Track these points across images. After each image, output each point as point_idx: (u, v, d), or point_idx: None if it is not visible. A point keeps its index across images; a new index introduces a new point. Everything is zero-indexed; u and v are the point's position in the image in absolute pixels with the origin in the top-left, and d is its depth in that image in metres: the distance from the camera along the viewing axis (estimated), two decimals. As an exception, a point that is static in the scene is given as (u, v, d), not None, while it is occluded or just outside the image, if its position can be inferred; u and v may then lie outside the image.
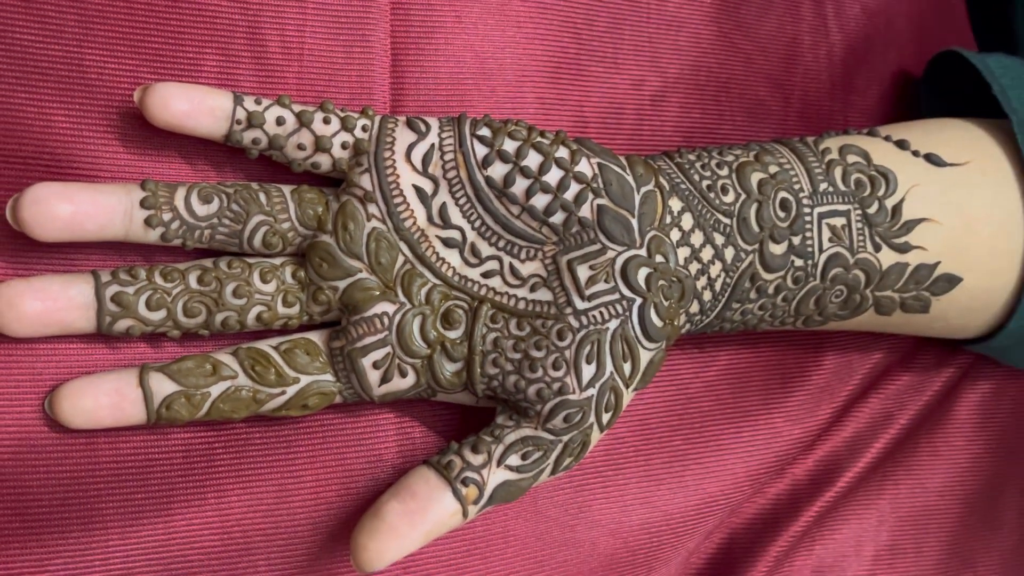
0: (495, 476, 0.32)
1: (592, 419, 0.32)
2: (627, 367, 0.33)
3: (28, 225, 0.29)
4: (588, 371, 0.32)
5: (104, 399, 0.31)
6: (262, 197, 0.32)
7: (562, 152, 0.33)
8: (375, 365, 0.32)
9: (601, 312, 0.32)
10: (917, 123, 0.40)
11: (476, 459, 0.32)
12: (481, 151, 0.33)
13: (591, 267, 0.33)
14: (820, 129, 0.43)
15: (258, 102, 0.32)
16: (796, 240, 0.35)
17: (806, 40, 0.42)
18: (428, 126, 0.33)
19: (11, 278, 0.31)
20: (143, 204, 0.31)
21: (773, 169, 0.35)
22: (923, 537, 0.43)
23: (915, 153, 0.38)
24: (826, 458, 0.42)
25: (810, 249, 0.35)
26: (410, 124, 0.33)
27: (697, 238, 0.34)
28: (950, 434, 0.44)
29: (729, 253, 0.34)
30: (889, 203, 0.36)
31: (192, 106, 0.31)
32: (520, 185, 0.32)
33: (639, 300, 0.33)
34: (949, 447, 0.44)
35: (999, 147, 0.39)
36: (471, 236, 0.33)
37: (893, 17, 0.45)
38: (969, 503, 0.44)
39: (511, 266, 0.33)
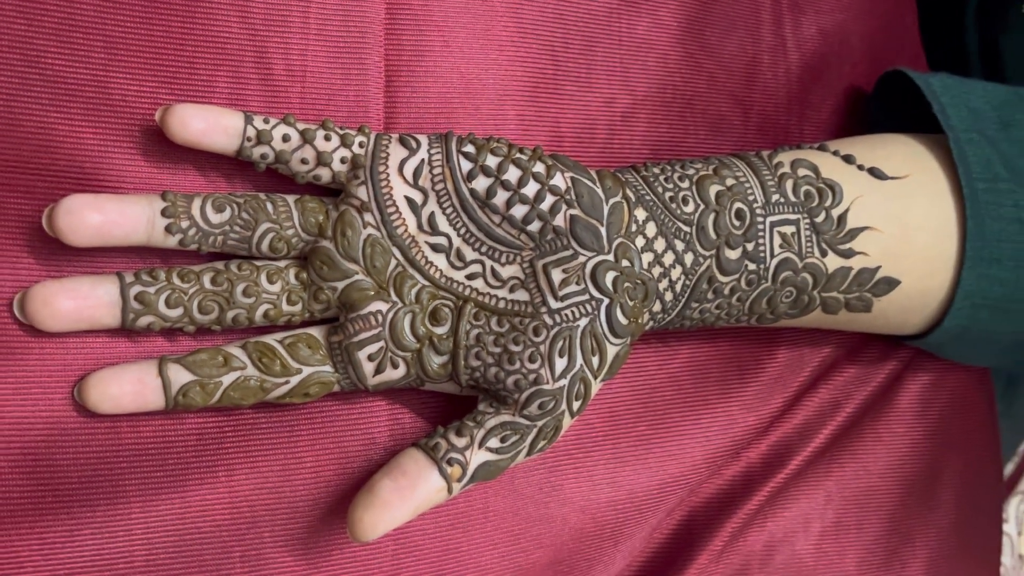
0: (477, 457, 0.33)
1: (564, 406, 0.34)
2: (595, 360, 0.34)
3: (62, 232, 0.31)
4: (560, 364, 0.34)
5: (127, 387, 0.32)
6: (269, 206, 0.33)
7: (539, 167, 0.34)
8: (370, 358, 0.34)
9: (573, 311, 0.34)
10: (863, 138, 0.41)
11: (460, 442, 0.33)
12: (466, 166, 0.34)
13: (564, 270, 0.34)
14: (778, 142, 0.44)
15: (266, 121, 0.33)
16: (750, 246, 0.36)
17: (766, 59, 0.43)
18: (418, 143, 0.34)
19: (45, 279, 0.33)
20: (164, 213, 0.32)
21: (730, 182, 0.37)
22: (866, 515, 0.44)
23: (860, 167, 0.39)
24: (778, 443, 0.43)
25: (762, 254, 0.37)
26: (402, 141, 0.34)
27: (660, 244, 0.36)
28: (892, 421, 0.45)
29: (689, 258, 0.36)
30: (835, 213, 0.37)
31: (208, 125, 0.32)
32: (501, 197, 0.34)
33: (606, 300, 0.34)
34: (891, 433, 0.45)
35: (937, 161, 0.40)
36: (456, 242, 0.34)
37: (848, 37, 0.46)
38: (908, 485, 0.45)
39: (492, 269, 0.35)
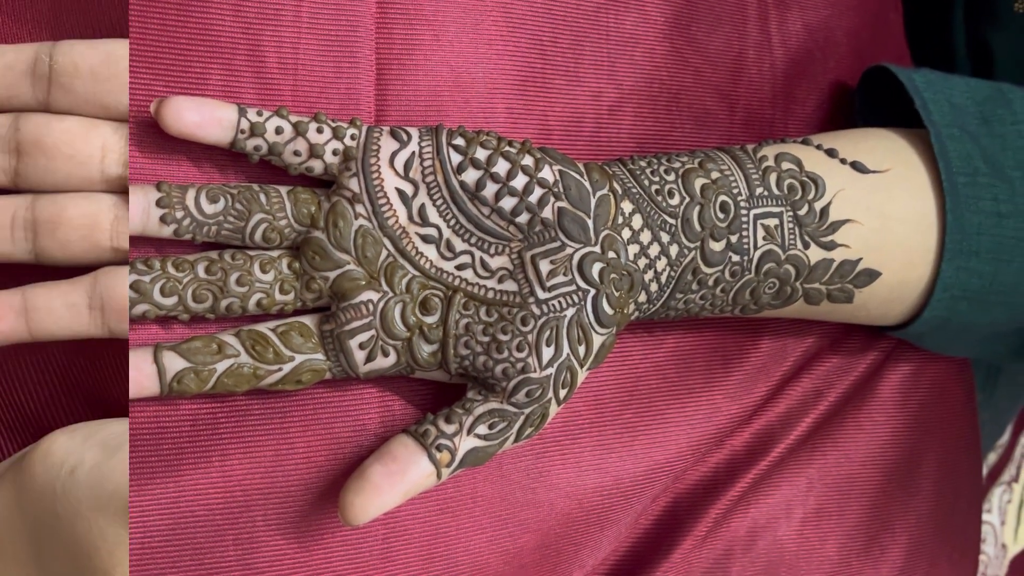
0: (465, 443, 0.34)
1: (550, 394, 0.35)
2: (582, 349, 0.35)
3: None
4: (548, 352, 0.34)
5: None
6: (262, 197, 0.34)
7: (527, 160, 0.35)
8: (361, 346, 0.34)
9: (560, 301, 0.35)
10: (846, 133, 0.41)
11: (449, 428, 0.34)
12: (456, 158, 0.34)
13: (551, 262, 0.35)
14: (763, 136, 0.44)
15: (259, 113, 0.33)
16: (734, 238, 0.37)
17: (751, 54, 0.44)
18: (409, 135, 0.34)
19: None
20: (159, 203, 0.32)
21: (715, 175, 0.37)
22: (847, 502, 0.45)
23: (842, 161, 0.39)
24: (761, 431, 0.44)
25: (746, 246, 0.37)
26: (393, 133, 0.34)
27: (645, 236, 0.36)
28: (873, 410, 0.46)
29: (674, 250, 0.36)
30: (818, 206, 0.38)
31: (202, 117, 0.32)
32: (490, 189, 0.34)
33: (593, 291, 0.35)
34: (872, 422, 0.46)
35: (918, 156, 0.40)
36: (447, 233, 0.35)
37: (833, 32, 0.46)
38: (889, 472, 0.46)
39: (482, 260, 0.35)
